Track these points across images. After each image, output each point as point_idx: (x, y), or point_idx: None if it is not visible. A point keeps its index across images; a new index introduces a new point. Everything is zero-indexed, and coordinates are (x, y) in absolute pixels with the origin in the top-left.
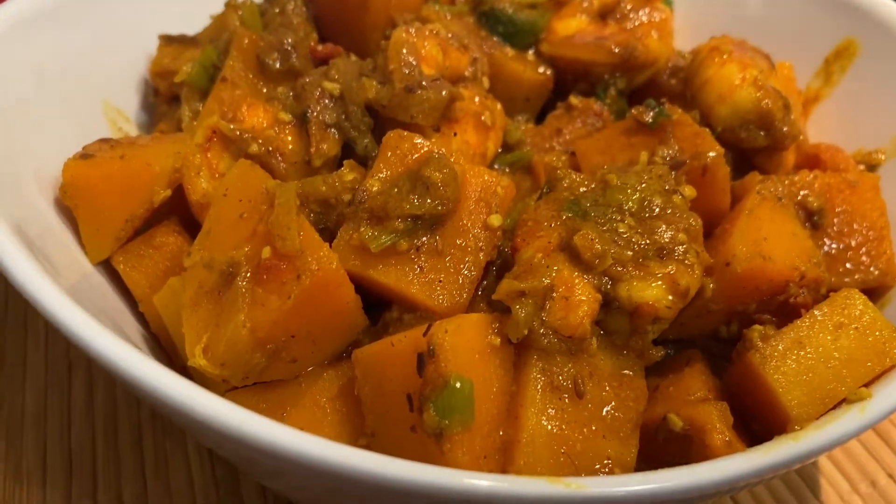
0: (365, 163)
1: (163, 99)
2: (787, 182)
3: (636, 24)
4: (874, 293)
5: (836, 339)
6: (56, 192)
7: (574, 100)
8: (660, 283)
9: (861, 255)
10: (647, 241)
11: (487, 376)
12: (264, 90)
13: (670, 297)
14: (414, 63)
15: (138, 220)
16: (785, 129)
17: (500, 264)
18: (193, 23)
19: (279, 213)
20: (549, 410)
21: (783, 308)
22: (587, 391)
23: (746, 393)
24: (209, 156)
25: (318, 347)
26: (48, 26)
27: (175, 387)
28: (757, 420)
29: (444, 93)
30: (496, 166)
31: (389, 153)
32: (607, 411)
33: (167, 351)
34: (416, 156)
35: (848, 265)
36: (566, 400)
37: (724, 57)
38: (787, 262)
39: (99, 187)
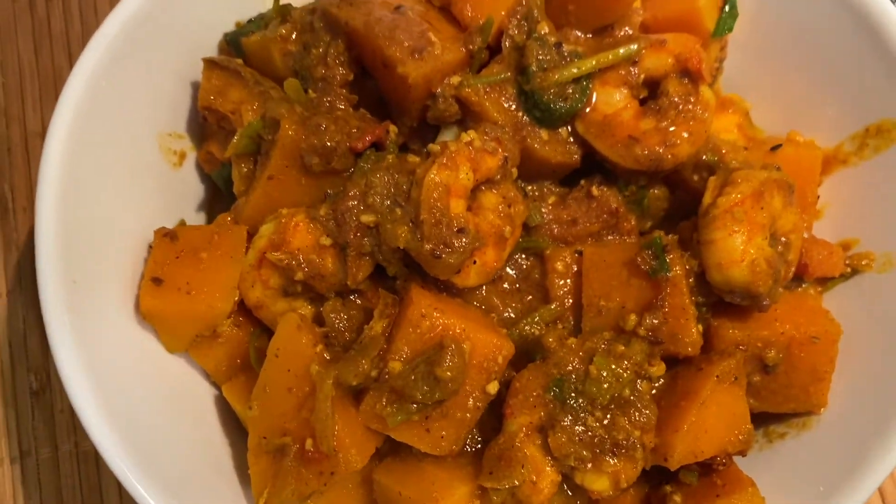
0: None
1: (212, 122)
2: (752, 339)
3: (675, 122)
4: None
5: None
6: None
7: (595, 190)
8: (607, 480)
9: (799, 392)
10: (607, 436)
11: None
12: (306, 183)
13: (612, 489)
14: (442, 216)
15: (206, 336)
16: (766, 302)
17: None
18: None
19: (319, 415)
20: None
21: (707, 464)
22: None
23: None
24: (261, 272)
25: None
26: (115, 81)
27: None
28: None
29: (466, 253)
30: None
31: (410, 330)
32: None
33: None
34: (433, 335)
35: (784, 398)
36: None
37: (735, 228)
38: (719, 447)
39: (170, 314)
